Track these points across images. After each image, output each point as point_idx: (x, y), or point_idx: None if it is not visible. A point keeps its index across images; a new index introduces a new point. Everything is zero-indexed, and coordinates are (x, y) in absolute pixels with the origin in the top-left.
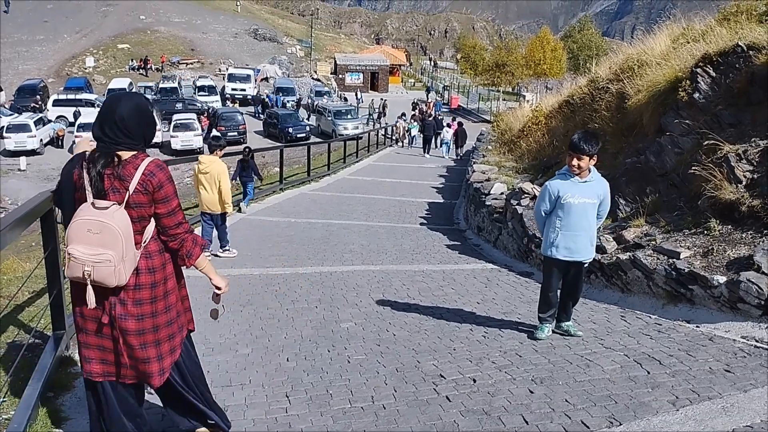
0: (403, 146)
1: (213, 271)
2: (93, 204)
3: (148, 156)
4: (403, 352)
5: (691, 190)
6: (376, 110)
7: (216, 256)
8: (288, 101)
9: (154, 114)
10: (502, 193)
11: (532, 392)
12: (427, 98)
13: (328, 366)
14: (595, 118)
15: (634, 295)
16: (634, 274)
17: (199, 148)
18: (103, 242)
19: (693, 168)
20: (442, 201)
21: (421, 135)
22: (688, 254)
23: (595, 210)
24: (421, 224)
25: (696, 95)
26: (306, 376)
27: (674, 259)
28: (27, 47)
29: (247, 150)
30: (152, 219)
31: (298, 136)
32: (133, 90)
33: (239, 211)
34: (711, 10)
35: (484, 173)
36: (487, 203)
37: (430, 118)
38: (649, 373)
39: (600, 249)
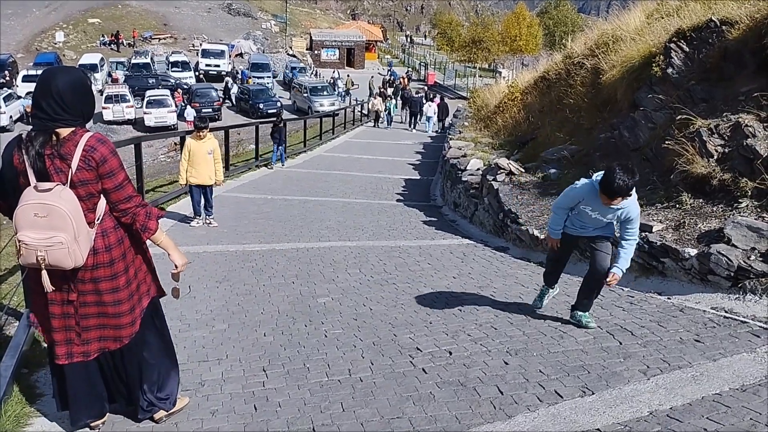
0: (376, 126)
1: (172, 247)
2: (36, 187)
3: (88, 131)
4: (380, 326)
5: (664, 165)
6: (348, 87)
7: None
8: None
9: (92, 88)
10: (478, 169)
11: (507, 363)
12: (387, 74)
13: (305, 340)
14: (570, 94)
15: None
16: None
17: (173, 125)
18: (53, 225)
19: (667, 143)
20: (418, 177)
21: (408, 110)
22: (660, 228)
23: (610, 223)
24: (398, 201)
25: (669, 70)
26: (283, 350)
27: (647, 233)
28: None
29: (279, 119)
30: (101, 195)
31: (269, 112)
32: (104, 65)
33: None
34: None
35: (460, 149)
36: (464, 179)
37: (417, 95)
38: (621, 343)
39: None
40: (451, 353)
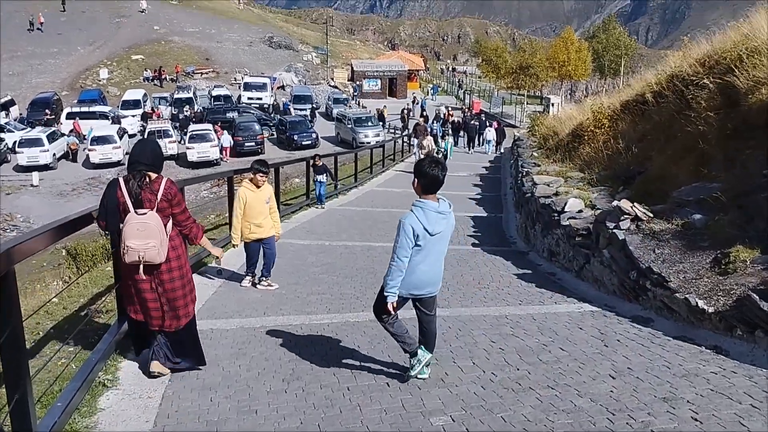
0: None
1: (210, 245)
2: (136, 212)
3: (163, 176)
4: None
5: None
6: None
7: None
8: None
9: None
10: (579, 211)
11: None
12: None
13: None
14: (691, 119)
15: None
16: None
17: (216, 160)
18: (148, 235)
19: None
20: (485, 215)
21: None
22: None
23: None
24: (474, 245)
25: None
26: None
27: None
28: (40, 60)
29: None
30: (170, 218)
31: (303, 143)
32: (147, 100)
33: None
34: (729, 6)
35: (549, 186)
36: (563, 223)
37: (473, 122)
38: None
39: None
40: None
